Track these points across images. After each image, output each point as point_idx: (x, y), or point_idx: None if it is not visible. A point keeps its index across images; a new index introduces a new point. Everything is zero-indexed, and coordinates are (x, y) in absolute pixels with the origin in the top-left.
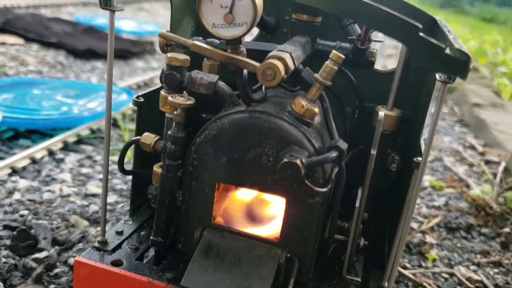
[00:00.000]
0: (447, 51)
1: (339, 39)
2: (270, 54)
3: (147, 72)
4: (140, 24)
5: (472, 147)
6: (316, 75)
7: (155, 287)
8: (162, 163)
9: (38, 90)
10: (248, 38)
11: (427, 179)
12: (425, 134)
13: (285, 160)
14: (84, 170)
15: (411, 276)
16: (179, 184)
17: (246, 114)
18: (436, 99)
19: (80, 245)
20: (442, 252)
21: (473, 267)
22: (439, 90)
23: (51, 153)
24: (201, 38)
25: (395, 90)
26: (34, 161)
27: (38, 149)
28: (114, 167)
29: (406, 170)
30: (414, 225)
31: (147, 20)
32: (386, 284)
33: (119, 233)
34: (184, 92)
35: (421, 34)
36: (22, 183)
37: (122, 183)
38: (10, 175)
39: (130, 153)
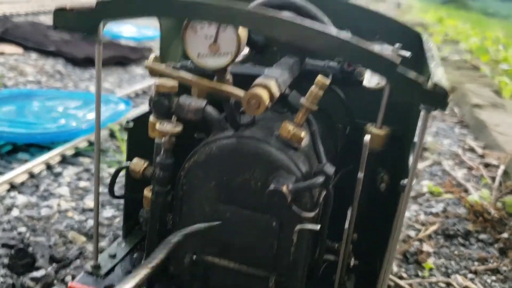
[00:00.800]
0: (430, 81)
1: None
2: (256, 81)
3: (146, 78)
4: (140, 29)
5: (472, 150)
6: (302, 99)
7: None
8: (152, 188)
9: (37, 101)
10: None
11: (426, 184)
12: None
13: (271, 187)
14: (82, 184)
15: (407, 286)
16: (170, 208)
17: (233, 139)
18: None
19: (78, 262)
20: (439, 260)
21: (470, 275)
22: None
23: (49, 167)
24: (190, 61)
25: (384, 107)
26: (32, 175)
27: (37, 164)
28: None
29: (396, 187)
30: (412, 233)
31: (147, 24)
32: None
33: (112, 256)
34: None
35: (398, 69)
36: (21, 199)
37: None
38: (8, 190)
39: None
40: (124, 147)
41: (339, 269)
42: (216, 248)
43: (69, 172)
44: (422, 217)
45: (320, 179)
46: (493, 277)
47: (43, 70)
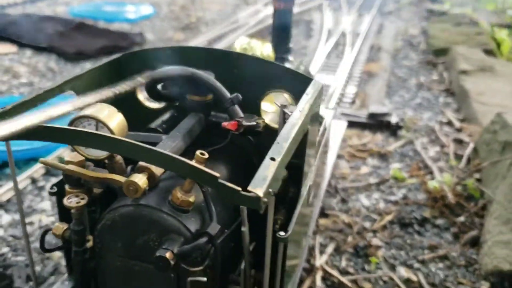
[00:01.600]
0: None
1: None
2: (139, 164)
3: None
4: (138, 7)
5: (450, 123)
6: None
7: None
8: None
9: None
10: None
11: (392, 168)
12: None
13: (156, 254)
14: None
15: (349, 283)
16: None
17: (131, 208)
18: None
19: (52, 279)
20: (390, 252)
21: (416, 265)
22: None
23: (33, 181)
24: None
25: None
26: None
27: (22, 179)
28: None
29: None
30: (367, 224)
31: (144, 0)
32: None
33: None
34: None
35: (219, 181)
36: (5, 218)
37: None
38: None
39: None
40: None
41: None
42: None
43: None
44: (381, 205)
45: (204, 240)
46: (440, 265)
47: (36, 69)
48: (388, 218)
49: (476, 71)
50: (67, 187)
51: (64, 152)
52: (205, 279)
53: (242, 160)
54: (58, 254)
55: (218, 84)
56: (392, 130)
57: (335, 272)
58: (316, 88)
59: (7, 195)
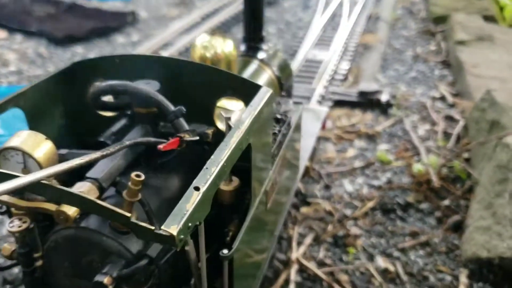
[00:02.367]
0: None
1: None
2: (73, 188)
3: (126, 48)
4: None
5: (443, 99)
6: (124, 194)
7: None
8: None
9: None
10: None
11: (380, 149)
12: None
13: (94, 279)
14: None
15: (322, 275)
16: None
17: (72, 230)
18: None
19: None
20: (369, 240)
21: (396, 254)
22: None
23: None
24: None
25: None
26: None
27: None
28: None
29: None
30: (349, 211)
31: None
32: None
33: None
34: None
35: (132, 220)
36: None
37: None
38: None
39: None
40: None
41: None
42: None
43: None
44: (365, 191)
45: (144, 262)
46: (421, 252)
47: (26, 56)
48: (370, 204)
49: (473, 41)
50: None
51: None
52: None
53: (197, 169)
54: None
55: (160, 97)
56: (383, 108)
57: (310, 265)
58: (263, 96)
59: None
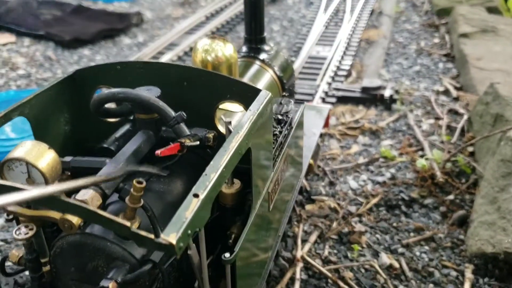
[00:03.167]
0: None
1: None
2: (77, 195)
3: (132, 49)
4: None
5: (447, 92)
6: (126, 200)
7: None
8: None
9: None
10: None
11: (384, 145)
12: None
13: (100, 284)
14: None
15: (327, 273)
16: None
17: (77, 236)
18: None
19: None
20: (374, 236)
21: (401, 250)
22: None
23: None
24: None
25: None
26: None
27: None
28: None
29: None
30: (353, 208)
31: None
32: None
33: None
34: None
35: (132, 230)
36: None
37: None
38: None
39: None
40: None
41: None
42: None
43: None
44: (369, 187)
45: (147, 267)
46: (426, 247)
47: (34, 59)
48: (374, 201)
49: (477, 33)
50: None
51: None
52: None
53: (200, 172)
54: None
55: (161, 103)
56: (386, 103)
57: (315, 263)
58: (263, 99)
59: None
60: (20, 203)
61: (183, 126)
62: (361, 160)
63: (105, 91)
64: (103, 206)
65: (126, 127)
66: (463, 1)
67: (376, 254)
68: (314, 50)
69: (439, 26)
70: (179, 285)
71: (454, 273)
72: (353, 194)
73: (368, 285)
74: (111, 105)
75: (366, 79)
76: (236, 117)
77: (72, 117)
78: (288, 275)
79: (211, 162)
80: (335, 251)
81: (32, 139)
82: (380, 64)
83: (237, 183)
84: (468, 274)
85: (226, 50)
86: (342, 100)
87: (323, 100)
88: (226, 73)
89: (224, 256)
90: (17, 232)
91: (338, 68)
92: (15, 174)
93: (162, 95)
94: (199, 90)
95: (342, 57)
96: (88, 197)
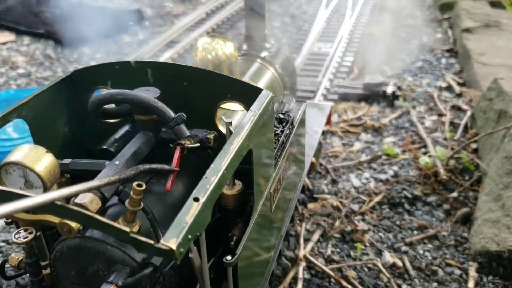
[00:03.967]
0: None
1: None
2: (74, 202)
3: (132, 46)
4: None
5: (450, 88)
6: (126, 203)
7: None
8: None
9: None
10: None
11: (386, 142)
12: None
13: None
14: None
15: (330, 272)
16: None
17: (77, 240)
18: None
19: None
20: (377, 235)
21: (404, 248)
22: None
23: None
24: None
25: None
26: None
27: None
28: None
29: None
30: (356, 206)
31: None
32: None
33: None
34: None
35: (131, 235)
36: None
37: None
38: None
39: None
40: None
41: None
42: None
43: None
44: (372, 185)
45: (148, 270)
46: (429, 246)
47: (34, 58)
48: (377, 199)
49: (480, 28)
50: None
51: None
52: None
53: (202, 173)
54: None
55: (160, 105)
56: (389, 100)
57: (318, 262)
58: (264, 99)
59: None
60: (20, 211)
61: (183, 127)
62: (364, 157)
63: (103, 92)
64: (103, 209)
65: (126, 127)
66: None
67: (379, 253)
68: (315, 46)
69: (442, 21)
70: None
71: (458, 271)
72: (355, 192)
73: (371, 284)
74: (110, 106)
75: (368, 76)
76: (236, 117)
77: (71, 118)
78: (291, 274)
79: (212, 165)
80: (338, 249)
81: (31, 140)
82: (382, 60)
83: (239, 184)
84: (472, 272)
85: (226, 48)
86: (344, 97)
87: (325, 97)
88: (227, 71)
89: (226, 259)
90: (16, 236)
91: (340, 64)
92: (13, 178)
93: (162, 95)
94: (199, 90)
95: (344, 53)
96: (87, 200)
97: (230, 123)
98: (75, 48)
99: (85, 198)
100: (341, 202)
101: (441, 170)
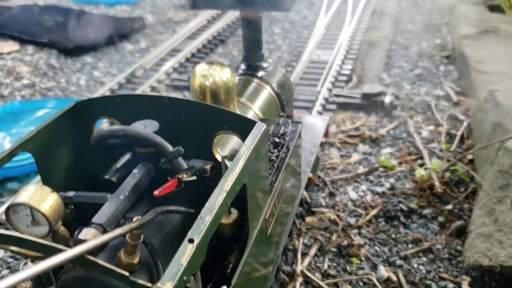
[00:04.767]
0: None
1: None
2: (80, 235)
3: (135, 55)
4: None
5: (447, 97)
6: (127, 237)
7: None
8: None
9: (24, 121)
10: None
11: (384, 153)
12: None
13: None
14: None
15: (326, 287)
16: None
17: (82, 271)
18: None
19: None
20: (373, 248)
21: (399, 262)
22: None
23: None
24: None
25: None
26: None
27: None
28: None
29: None
30: (352, 220)
31: None
32: None
33: None
34: None
35: (130, 279)
36: None
37: None
38: None
39: None
40: None
41: None
42: None
43: None
44: (369, 197)
45: None
46: (424, 259)
47: (38, 68)
48: (374, 212)
49: (478, 34)
50: None
51: None
52: None
53: (199, 200)
54: None
55: (158, 139)
56: (387, 110)
57: (315, 277)
58: (258, 133)
59: None
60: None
61: (180, 160)
62: (361, 169)
63: (104, 128)
64: (106, 243)
65: (127, 156)
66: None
67: (374, 267)
68: (315, 54)
69: (441, 26)
70: None
71: (451, 285)
72: (352, 205)
73: None
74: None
75: (367, 85)
76: (232, 144)
77: (74, 148)
78: None
79: (206, 204)
80: (335, 264)
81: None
82: (381, 67)
83: (235, 213)
84: (465, 286)
85: (223, 75)
86: (342, 106)
87: (324, 107)
88: (224, 96)
89: None
90: (24, 268)
91: (339, 73)
92: (21, 217)
93: (161, 126)
94: (196, 121)
95: (343, 61)
96: (90, 236)
97: (226, 156)
98: (78, 57)
99: (88, 234)
100: (338, 216)
101: (436, 183)
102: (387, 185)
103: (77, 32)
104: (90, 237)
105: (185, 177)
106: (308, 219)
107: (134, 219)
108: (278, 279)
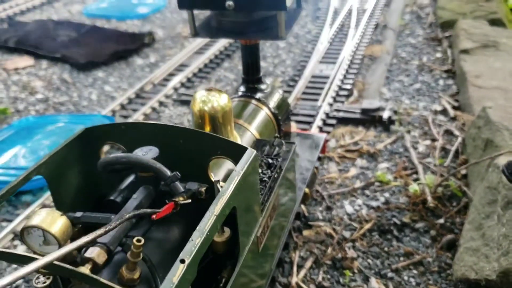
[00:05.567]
0: None
1: None
2: (83, 256)
3: (145, 70)
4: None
5: (445, 111)
6: (128, 255)
7: None
8: None
9: (39, 135)
10: None
11: (380, 168)
12: None
13: None
14: None
15: None
16: None
17: (86, 286)
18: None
19: None
20: (366, 261)
21: (390, 274)
22: None
23: (44, 206)
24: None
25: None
26: None
27: (36, 206)
28: None
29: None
30: (347, 234)
31: None
32: None
33: None
34: None
35: None
36: (21, 248)
37: None
38: (12, 239)
39: None
40: None
41: None
42: None
43: None
44: (364, 212)
45: None
46: (414, 272)
47: (51, 83)
48: (368, 226)
49: (478, 49)
50: None
51: None
52: None
53: (196, 219)
54: None
55: (158, 165)
56: (385, 125)
57: None
58: (248, 158)
59: (21, 225)
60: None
61: (177, 184)
62: (358, 184)
63: (110, 155)
64: (109, 259)
65: (130, 178)
66: (467, 13)
67: (366, 279)
68: (317, 68)
69: (442, 40)
70: None
71: None
72: (348, 219)
73: None
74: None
75: (366, 100)
76: (226, 167)
77: (83, 170)
78: None
79: (198, 227)
80: (329, 276)
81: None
82: (381, 82)
83: (227, 232)
84: None
85: (221, 100)
86: (342, 121)
87: (324, 122)
88: (221, 120)
89: None
90: (36, 281)
91: (340, 88)
92: (34, 237)
93: (161, 151)
94: (193, 146)
95: (345, 76)
96: (95, 254)
97: (218, 181)
98: (90, 71)
99: (93, 252)
100: (334, 229)
101: (429, 198)
102: (382, 199)
103: (89, 47)
104: (95, 255)
105: (181, 200)
106: (305, 232)
107: (135, 239)
108: None
